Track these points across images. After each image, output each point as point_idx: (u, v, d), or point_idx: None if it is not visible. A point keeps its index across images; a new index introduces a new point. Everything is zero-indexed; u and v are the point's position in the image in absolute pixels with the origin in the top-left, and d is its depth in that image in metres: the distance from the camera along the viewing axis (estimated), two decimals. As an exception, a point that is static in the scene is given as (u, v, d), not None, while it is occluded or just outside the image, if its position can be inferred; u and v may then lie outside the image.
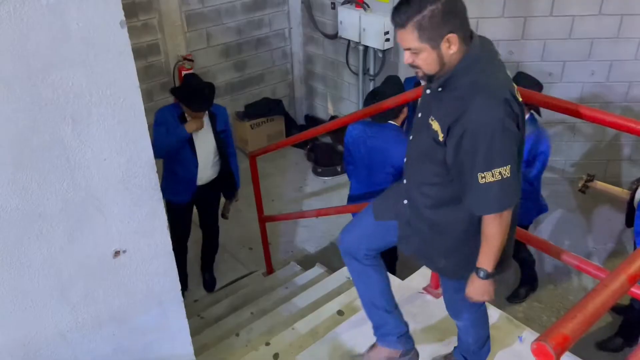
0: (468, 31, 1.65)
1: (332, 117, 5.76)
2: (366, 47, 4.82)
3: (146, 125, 1.68)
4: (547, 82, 4.52)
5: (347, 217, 3.93)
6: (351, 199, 3.45)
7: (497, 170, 1.61)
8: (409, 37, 1.62)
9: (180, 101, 3.31)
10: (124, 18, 1.50)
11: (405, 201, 1.96)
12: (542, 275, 3.99)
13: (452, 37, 1.60)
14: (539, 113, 3.15)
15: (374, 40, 4.60)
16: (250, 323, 3.18)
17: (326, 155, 5.49)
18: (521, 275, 3.79)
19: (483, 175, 1.63)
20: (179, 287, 2.01)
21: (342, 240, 2.17)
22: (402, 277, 2.92)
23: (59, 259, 1.65)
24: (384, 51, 4.69)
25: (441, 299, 2.65)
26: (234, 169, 3.72)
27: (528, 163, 3.10)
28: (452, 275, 2.01)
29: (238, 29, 5.39)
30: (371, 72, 4.95)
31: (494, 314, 2.60)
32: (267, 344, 2.70)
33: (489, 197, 1.66)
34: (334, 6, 5.06)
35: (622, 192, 3.10)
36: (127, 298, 1.87)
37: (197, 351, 2.27)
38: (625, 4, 4.17)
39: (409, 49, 1.65)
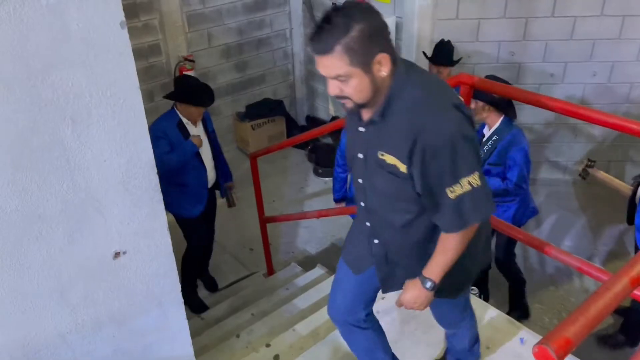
0: (393, 49, 1.52)
1: (333, 118, 5.76)
2: (367, 48, 4.81)
3: (146, 126, 1.68)
4: (549, 83, 4.52)
5: (348, 218, 3.93)
6: (353, 201, 3.44)
7: (465, 180, 1.51)
8: (338, 63, 1.44)
9: (187, 102, 3.23)
10: (124, 19, 1.50)
11: (376, 241, 1.84)
12: (543, 277, 3.98)
13: (384, 57, 1.47)
14: (514, 115, 3.09)
15: (375, 41, 4.59)
16: (251, 324, 3.17)
17: (327, 156, 5.48)
18: (510, 300, 3.61)
19: (452, 189, 1.52)
20: (179, 288, 2.00)
21: (337, 312, 2.03)
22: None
23: (58, 261, 1.65)
24: (385, 52, 4.68)
25: (442, 300, 2.65)
26: (225, 164, 3.74)
27: (508, 167, 3.05)
28: (452, 295, 1.88)
29: (239, 29, 5.38)
30: (372, 72, 4.94)
31: (495, 314, 2.59)
32: (268, 345, 2.70)
33: (463, 212, 1.55)
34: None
35: (624, 187, 3.07)
36: (127, 299, 1.86)
37: (198, 352, 2.26)
38: (626, 5, 4.16)
39: (336, 77, 1.47)
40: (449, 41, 3.82)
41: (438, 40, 3.94)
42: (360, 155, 1.69)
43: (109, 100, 1.56)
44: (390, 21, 4.47)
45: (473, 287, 2.88)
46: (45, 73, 1.42)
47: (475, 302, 2.65)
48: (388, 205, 1.71)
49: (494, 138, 3.07)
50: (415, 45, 4.39)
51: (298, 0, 5.49)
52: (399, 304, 1.80)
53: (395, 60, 1.52)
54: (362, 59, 1.44)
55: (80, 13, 1.42)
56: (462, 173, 1.50)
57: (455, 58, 3.82)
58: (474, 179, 1.51)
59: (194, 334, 2.25)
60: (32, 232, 1.57)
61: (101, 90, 1.53)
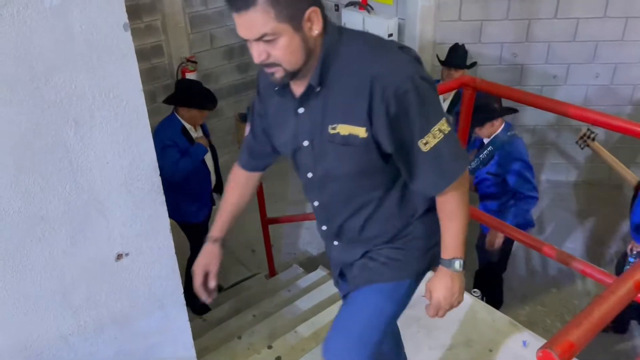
0: (323, 6, 1.31)
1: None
2: (370, 49, 4.82)
3: (149, 128, 1.68)
4: (552, 84, 4.51)
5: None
6: None
7: (436, 128, 1.33)
8: (262, 18, 1.21)
9: (192, 106, 3.22)
10: (127, 21, 1.50)
11: (336, 242, 1.64)
12: (545, 279, 3.97)
13: (315, 12, 1.26)
14: (514, 111, 3.00)
15: (378, 43, 4.60)
16: (253, 326, 3.17)
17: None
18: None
19: (425, 141, 1.33)
20: (182, 290, 2.01)
21: None
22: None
23: (61, 262, 1.65)
24: (387, 53, 4.68)
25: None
26: None
27: (509, 178, 2.95)
28: (387, 275, 1.57)
29: (241, 30, 5.39)
30: (374, 74, 4.94)
31: (497, 317, 2.58)
32: (270, 347, 2.69)
33: (443, 163, 1.37)
34: (337, 8, 5.05)
35: (629, 174, 2.97)
36: (129, 301, 1.86)
37: (199, 354, 2.26)
38: (630, 7, 4.15)
39: (261, 38, 1.24)
40: (462, 45, 3.76)
41: (440, 42, 3.92)
42: (306, 143, 1.44)
43: (112, 102, 1.56)
44: (392, 23, 4.47)
45: (475, 290, 2.86)
46: (48, 75, 1.42)
47: (478, 304, 2.65)
48: (349, 190, 1.49)
49: (489, 148, 3.01)
50: (418, 47, 4.39)
51: (300, 1, 5.49)
52: (434, 311, 1.53)
53: (326, 17, 1.33)
54: (290, 13, 1.23)
55: (83, 15, 1.42)
56: (432, 120, 1.33)
57: (469, 62, 3.74)
58: (443, 125, 1.34)
59: (196, 335, 2.24)
60: (34, 234, 1.57)
61: (104, 92, 1.53)
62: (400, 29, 4.51)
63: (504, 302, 3.68)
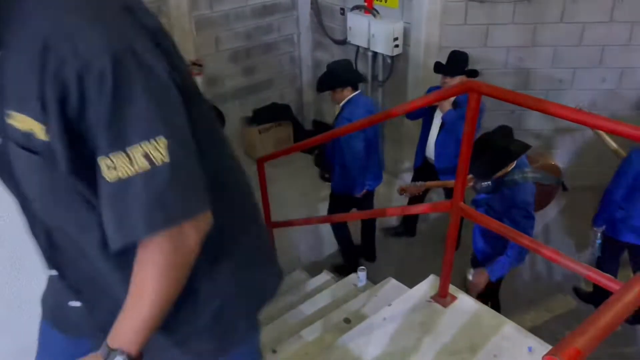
0: None
1: (340, 123, 5.76)
2: (375, 53, 4.82)
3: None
4: (558, 89, 4.51)
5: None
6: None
7: (140, 149, 0.81)
8: None
9: None
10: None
11: (76, 303, 1.11)
12: (551, 284, 3.96)
13: None
14: (524, 147, 2.76)
15: (383, 47, 4.60)
16: (257, 329, 3.17)
17: (334, 160, 5.49)
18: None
19: (110, 162, 0.81)
20: (186, 293, 2.00)
21: None
22: (410, 285, 2.91)
23: (66, 265, 1.65)
24: (392, 57, 4.69)
25: (450, 307, 2.63)
26: None
27: (506, 221, 2.70)
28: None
29: (247, 34, 5.40)
30: (380, 78, 4.95)
31: (502, 322, 2.57)
32: (274, 351, 2.69)
33: (128, 209, 0.83)
34: (343, 12, 5.07)
35: (612, 146, 3.02)
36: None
37: (203, 358, 2.26)
38: (636, 11, 4.15)
39: None
40: (460, 52, 3.64)
41: (446, 46, 3.90)
42: None
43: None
44: (398, 27, 4.47)
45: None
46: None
47: (483, 308, 2.64)
48: (49, 226, 1.00)
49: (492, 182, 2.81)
50: (423, 50, 4.39)
51: (306, 5, 5.51)
52: None
53: None
54: None
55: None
56: (135, 132, 0.81)
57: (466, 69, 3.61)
58: (159, 150, 0.82)
59: (200, 339, 2.24)
60: (39, 237, 1.57)
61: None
62: (406, 33, 4.52)
63: (508, 306, 3.67)
